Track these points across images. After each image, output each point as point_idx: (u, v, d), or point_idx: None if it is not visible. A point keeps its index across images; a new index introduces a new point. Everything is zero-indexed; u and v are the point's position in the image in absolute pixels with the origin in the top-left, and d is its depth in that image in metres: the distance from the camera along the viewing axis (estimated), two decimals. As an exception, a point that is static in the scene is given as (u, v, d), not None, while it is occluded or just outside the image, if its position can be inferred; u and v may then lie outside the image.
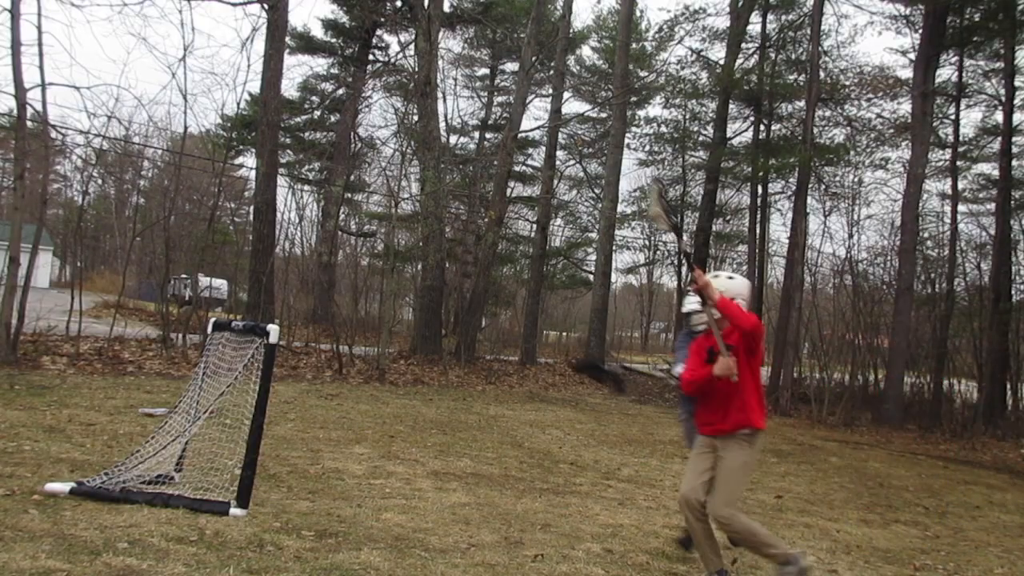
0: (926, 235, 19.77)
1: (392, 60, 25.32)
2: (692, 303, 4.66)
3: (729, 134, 22.36)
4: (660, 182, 5.09)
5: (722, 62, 21.14)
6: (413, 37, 19.92)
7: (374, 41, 26.97)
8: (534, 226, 26.76)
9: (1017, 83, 18.02)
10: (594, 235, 27.77)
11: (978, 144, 21.49)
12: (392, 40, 26.91)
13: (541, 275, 22.84)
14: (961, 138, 20.42)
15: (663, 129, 26.59)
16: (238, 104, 26.13)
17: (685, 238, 4.14)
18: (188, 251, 21.00)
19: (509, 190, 25.06)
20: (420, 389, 13.28)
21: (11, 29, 10.73)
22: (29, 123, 12.20)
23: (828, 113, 20.74)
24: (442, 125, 22.06)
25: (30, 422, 6.79)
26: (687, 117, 26.06)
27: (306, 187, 27.91)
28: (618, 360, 24.24)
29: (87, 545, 3.76)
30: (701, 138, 25.29)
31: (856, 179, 21.11)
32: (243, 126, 23.06)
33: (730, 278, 4.34)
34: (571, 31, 24.53)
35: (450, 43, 29.14)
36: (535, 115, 38.32)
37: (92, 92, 13.25)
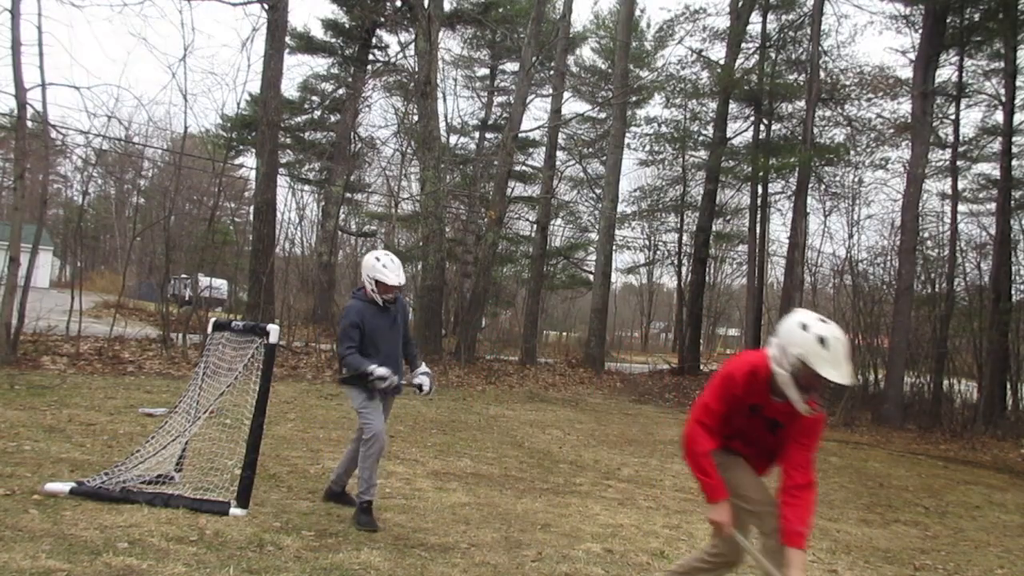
0: (926, 235, 19.76)
1: (392, 60, 25.32)
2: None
3: (729, 134, 22.37)
4: None
5: (722, 62, 21.14)
6: (413, 37, 19.92)
7: (374, 41, 26.95)
8: (534, 226, 26.77)
9: (1017, 83, 18.01)
10: (594, 235, 27.77)
11: (978, 144, 21.47)
12: (392, 40, 26.90)
13: (541, 275, 22.84)
14: (961, 138, 20.41)
15: (663, 129, 26.58)
16: (238, 104, 26.21)
17: None
18: (188, 251, 20.98)
19: (509, 190, 25.04)
20: (420, 389, 13.26)
21: (11, 29, 10.74)
22: (29, 123, 12.21)
23: (828, 113, 20.74)
24: (442, 125, 22.07)
25: (30, 422, 6.79)
26: (687, 117, 26.05)
27: (306, 187, 27.92)
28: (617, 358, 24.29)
29: (87, 545, 3.76)
30: (701, 138, 25.28)
31: (856, 179, 21.10)
32: (243, 126, 23.06)
33: None
34: (571, 31, 24.52)
35: (450, 43, 29.14)
36: (535, 115, 38.29)
37: (92, 92, 13.33)
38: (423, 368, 5.06)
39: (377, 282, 4.79)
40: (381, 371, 4.66)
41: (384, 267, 4.78)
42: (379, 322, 4.86)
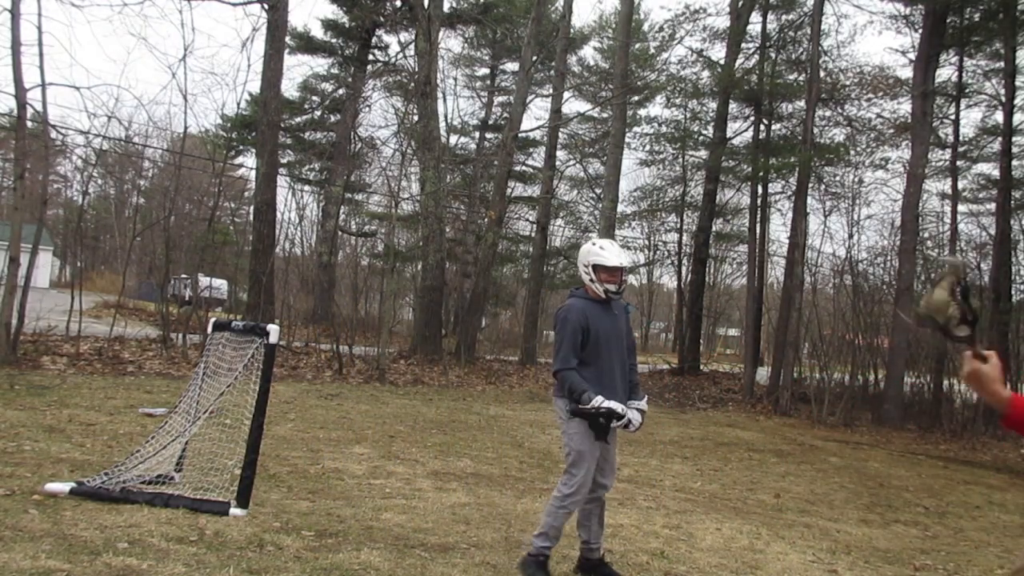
0: (926, 235, 19.75)
1: (392, 60, 25.35)
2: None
3: (729, 134, 22.35)
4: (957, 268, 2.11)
5: (722, 62, 21.13)
6: (413, 37, 19.93)
7: (374, 41, 26.99)
8: (534, 226, 26.78)
9: (1017, 83, 18.01)
10: (594, 235, 27.79)
11: (978, 144, 21.47)
12: (392, 40, 26.96)
13: (541, 275, 22.84)
14: (961, 138, 20.40)
15: (664, 129, 26.59)
16: (238, 104, 26.23)
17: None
18: (188, 251, 21.00)
19: (509, 190, 25.07)
20: (420, 389, 13.27)
21: (11, 29, 10.76)
22: (29, 123, 12.21)
23: (828, 113, 20.71)
24: (442, 125, 22.07)
25: (30, 422, 6.79)
26: (687, 117, 26.05)
27: (306, 187, 27.94)
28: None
29: (87, 545, 3.76)
30: (701, 138, 25.28)
31: (856, 179, 21.07)
32: (243, 126, 23.07)
33: None
34: (572, 31, 24.52)
35: (450, 43, 29.17)
36: (535, 115, 38.34)
37: (92, 92, 13.36)
38: (641, 402, 4.17)
39: (596, 267, 4.06)
40: (612, 405, 3.80)
41: (601, 248, 4.10)
42: (606, 325, 4.05)
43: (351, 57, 26.94)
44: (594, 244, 4.17)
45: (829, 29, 19.60)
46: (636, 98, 27.68)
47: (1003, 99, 18.42)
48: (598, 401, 3.82)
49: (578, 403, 3.85)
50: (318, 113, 27.75)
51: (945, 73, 19.00)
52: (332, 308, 18.62)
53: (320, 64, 28.10)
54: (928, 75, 16.44)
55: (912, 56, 18.00)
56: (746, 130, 22.70)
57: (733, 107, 22.18)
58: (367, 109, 35.48)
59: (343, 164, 24.29)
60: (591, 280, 4.09)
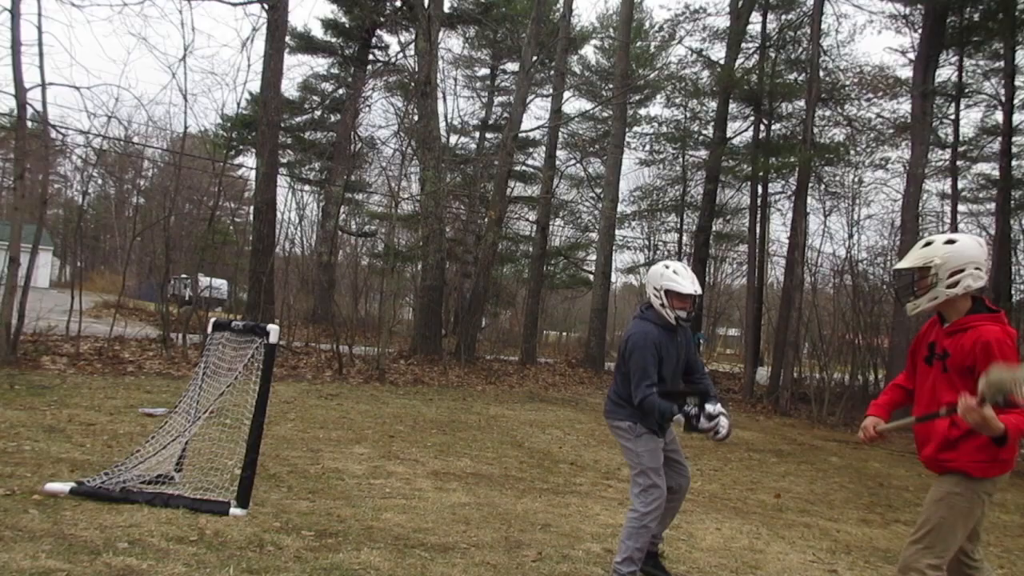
0: (926, 235, 19.72)
1: (392, 60, 25.35)
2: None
3: (729, 133, 22.37)
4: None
5: (722, 62, 21.15)
6: (413, 37, 19.93)
7: (374, 41, 27.00)
8: (534, 226, 26.79)
9: (1017, 83, 18.03)
10: (594, 235, 27.80)
11: (978, 144, 21.51)
12: (392, 40, 26.97)
13: (541, 275, 22.85)
14: (961, 138, 20.45)
15: (664, 128, 26.63)
16: (238, 104, 26.23)
17: None
18: (188, 251, 21.01)
19: (509, 190, 25.05)
20: (420, 389, 13.27)
21: (11, 29, 10.74)
22: (29, 123, 12.20)
23: (828, 113, 20.75)
24: (442, 125, 22.08)
25: (30, 422, 6.79)
26: (687, 116, 26.08)
27: (306, 187, 27.94)
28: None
29: (87, 545, 3.76)
30: (701, 137, 25.31)
31: (856, 179, 21.13)
32: (243, 126, 23.08)
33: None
34: (572, 31, 24.53)
35: (450, 43, 29.21)
36: (535, 115, 38.33)
37: (92, 92, 13.32)
38: (718, 406, 4.03)
39: (668, 293, 4.02)
40: (717, 413, 3.84)
41: (675, 273, 4.04)
42: (671, 353, 4.06)
43: (351, 57, 26.95)
44: (667, 267, 4.10)
45: (829, 29, 19.65)
46: (636, 98, 27.71)
47: (1003, 99, 18.44)
48: (684, 411, 3.87)
49: (682, 416, 3.88)
50: (318, 113, 27.76)
51: (945, 73, 19.05)
52: (332, 308, 18.62)
53: (320, 64, 28.13)
54: (928, 75, 16.46)
55: (912, 56, 18.03)
56: (746, 130, 22.74)
57: (733, 107, 22.20)
58: (367, 109, 35.52)
59: (343, 164, 24.29)
60: (662, 305, 4.05)
